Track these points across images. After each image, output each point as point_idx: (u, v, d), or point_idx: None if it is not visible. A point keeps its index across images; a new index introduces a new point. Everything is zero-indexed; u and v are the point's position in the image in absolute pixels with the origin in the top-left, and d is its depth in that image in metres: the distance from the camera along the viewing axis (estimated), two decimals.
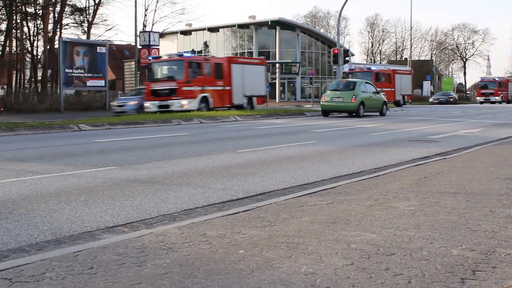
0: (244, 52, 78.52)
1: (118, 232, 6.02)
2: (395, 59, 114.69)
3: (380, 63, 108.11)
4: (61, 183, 9.10)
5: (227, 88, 35.21)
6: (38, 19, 47.79)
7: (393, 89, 52.83)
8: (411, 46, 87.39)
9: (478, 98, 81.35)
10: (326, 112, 32.12)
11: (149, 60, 36.49)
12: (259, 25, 78.11)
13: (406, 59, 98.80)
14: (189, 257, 4.66)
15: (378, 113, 33.02)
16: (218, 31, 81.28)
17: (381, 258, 4.52)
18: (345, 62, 39.92)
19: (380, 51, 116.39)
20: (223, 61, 35.93)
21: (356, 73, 48.99)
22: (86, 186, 8.74)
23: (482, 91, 79.88)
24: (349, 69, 50.77)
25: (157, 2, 61.03)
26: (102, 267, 4.47)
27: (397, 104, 52.50)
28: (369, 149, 14.44)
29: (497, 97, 77.46)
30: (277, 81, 76.29)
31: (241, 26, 79.06)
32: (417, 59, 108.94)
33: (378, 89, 35.36)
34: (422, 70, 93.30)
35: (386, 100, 35.05)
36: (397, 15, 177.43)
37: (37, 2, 47.50)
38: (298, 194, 7.84)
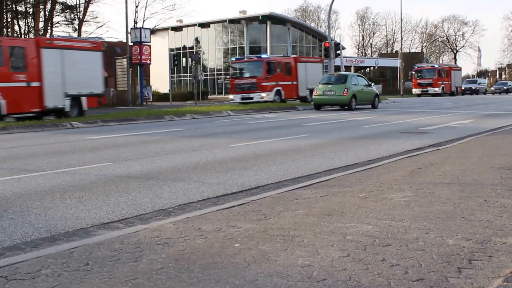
0: (236, 47, 78.41)
1: (113, 228, 6.00)
2: (386, 52, 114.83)
3: (372, 56, 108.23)
4: (55, 180, 9.07)
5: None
6: (29, 17, 47.61)
7: (295, 82, 42.55)
8: (401, 39, 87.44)
9: (414, 90, 69.79)
10: (318, 106, 32.15)
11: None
12: (250, 20, 77.94)
13: (397, 51, 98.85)
14: (185, 252, 4.65)
15: (370, 106, 33.06)
16: (209, 26, 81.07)
17: (377, 249, 4.52)
18: (337, 55, 39.89)
19: (371, 44, 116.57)
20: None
21: (243, 63, 41.92)
22: (80, 183, 8.72)
23: (419, 81, 68.60)
24: (235, 59, 45.01)
25: None
26: (98, 263, 4.45)
27: (303, 100, 42.47)
28: (362, 141, 14.46)
29: (436, 88, 67.02)
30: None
31: (232, 21, 78.86)
32: (408, 51, 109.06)
33: (279, 83, 39.84)
34: (413, 62, 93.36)
35: (378, 92, 35.08)
36: (387, 8, 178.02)
37: (28, 1, 47.31)
38: (292, 187, 7.83)
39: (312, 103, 33.35)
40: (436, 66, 71.67)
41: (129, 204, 7.18)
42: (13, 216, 6.64)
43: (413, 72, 71.09)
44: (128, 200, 7.43)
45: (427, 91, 67.69)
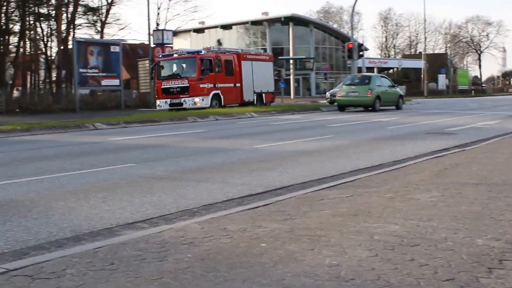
0: (258, 49, 78.46)
1: (137, 228, 5.98)
2: (409, 53, 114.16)
3: (395, 57, 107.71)
4: (79, 181, 9.09)
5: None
6: (51, 20, 47.95)
7: (238, 85, 35.49)
8: (425, 40, 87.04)
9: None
10: (342, 107, 32.05)
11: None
12: (272, 21, 77.96)
13: (420, 52, 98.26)
14: (211, 252, 4.61)
15: (394, 107, 32.86)
16: (231, 28, 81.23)
17: (405, 249, 4.45)
18: (360, 56, 39.73)
19: (394, 45, 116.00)
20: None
21: (172, 61, 33.98)
22: (104, 184, 8.73)
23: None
24: (162, 55, 35.79)
25: (169, 0, 61.14)
26: (123, 263, 4.43)
27: (249, 104, 35.82)
28: (387, 142, 14.35)
29: None
30: (291, 77, 76.14)
31: (254, 22, 78.96)
32: (431, 52, 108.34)
33: (217, 85, 33.14)
34: (437, 64, 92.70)
35: (402, 93, 34.80)
36: (410, 8, 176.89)
37: (50, 3, 47.65)
38: (317, 188, 7.77)
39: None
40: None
41: (153, 205, 7.16)
42: (38, 216, 6.65)
43: None
44: (152, 201, 7.41)
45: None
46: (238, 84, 35.43)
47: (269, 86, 38.79)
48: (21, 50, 47.00)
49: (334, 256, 4.33)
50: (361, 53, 39.54)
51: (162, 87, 33.15)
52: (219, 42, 79.77)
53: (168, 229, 5.57)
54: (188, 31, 79.48)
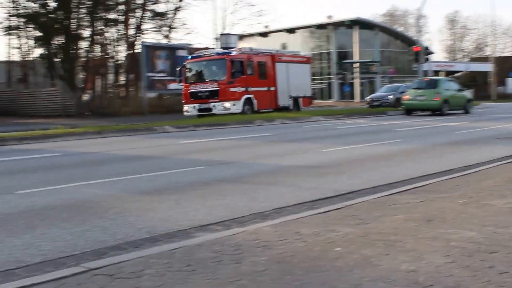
0: (323, 52, 78.23)
1: (211, 230, 6.06)
2: (477, 56, 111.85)
3: (462, 60, 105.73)
4: (151, 183, 9.28)
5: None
6: (120, 25, 48.86)
7: (272, 88, 33.56)
8: (493, 42, 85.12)
9: None
10: (409, 111, 31.70)
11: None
12: (337, 25, 77.66)
13: (488, 55, 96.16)
14: (286, 255, 4.66)
15: (462, 111, 32.28)
16: (296, 32, 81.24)
17: (483, 256, 4.39)
18: (426, 60, 39.18)
19: (461, 48, 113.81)
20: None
21: (200, 63, 31.85)
22: (177, 186, 8.88)
23: None
24: (191, 57, 32.69)
25: (235, 4, 61.55)
26: (200, 264, 4.51)
27: (284, 110, 33.72)
28: (456, 147, 14.13)
29: None
30: (356, 80, 75.74)
31: (319, 26, 78.79)
32: (500, 55, 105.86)
33: (249, 89, 31.15)
34: (506, 67, 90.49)
35: (470, 97, 34.14)
36: (478, 11, 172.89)
37: (118, 9, 48.58)
38: (388, 193, 7.72)
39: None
40: None
41: (225, 207, 7.25)
42: (114, 217, 6.82)
43: None
44: (223, 203, 7.50)
45: None
46: (272, 88, 33.43)
47: (306, 90, 36.72)
48: (91, 54, 48.04)
49: (411, 262, 4.31)
50: (427, 56, 38.91)
51: (189, 91, 31.25)
52: (283, 46, 79.97)
53: (241, 231, 5.64)
54: (253, 35, 79.85)
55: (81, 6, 45.02)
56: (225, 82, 30.00)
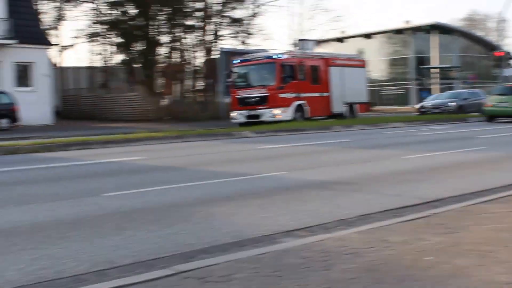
0: (400, 57, 77.19)
1: (297, 236, 6.06)
2: None
3: None
4: (234, 187, 9.36)
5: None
6: (198, 31, 49.51)
7: (326, 94, 31.86)
8: None
9: None
10: (491, 118, 30.88)
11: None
12: (415, 30, 76.47)
13: None
14: (375, 263, 4.61)
15: None
16: (373, 37, 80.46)
17: None
18: (508, 65, 38.16)
19: None
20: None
21: (249, 67, 30.24)
22: (259, 191, 8.90)
23: None
24: (240, 60, 30.86)
25: (312, 10, 61.43)
26: (289, 270, 4.51)
27: (338, 116, 32.21)
28: None
29: None
30: (435, 86, 74.37)
31: (397, 31, 77.81)
32: None
33: (301, 95, 29.21)
34: None
35: None
36: None
37: (196, 15, 49.25)
38: (476, 201, 7.53)
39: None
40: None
41: (309, 213, 7.23)
42: (199, 221, 6.91)
43: None
44: (307, 209, 7.48)
45: None
46: (325, 94, 31.62)
47: (361, 95, 34.75)
48: (170, 60, 48.87)
49: (507, 274, 4.19)
50: (509, 61, 37.89)
51: (237, 96, 29.87)
52: (360, 52, 79.43)
53: (327, 238, 5.62)
54: (330, 40, 79.56)
55: (161, 13, 45.94)
56: (275, 87, 28.58)
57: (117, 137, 20.46)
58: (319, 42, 60.07)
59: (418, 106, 42.49)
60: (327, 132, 23.74)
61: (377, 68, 77.84)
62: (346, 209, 7.41)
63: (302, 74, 29.95)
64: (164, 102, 44.55)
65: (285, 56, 29.54)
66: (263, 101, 28.56)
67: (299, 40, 46.39)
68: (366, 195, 8.50)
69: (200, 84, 51.24)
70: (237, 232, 6.27)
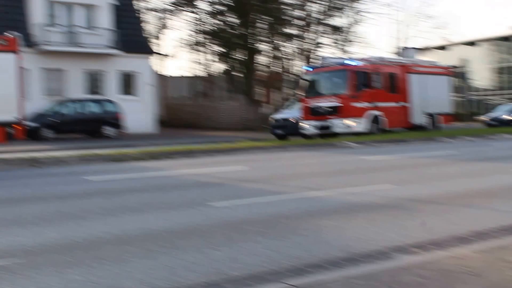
0: (506, 66, 74.73)
1: (409, 252, 5.88)
2: None
3: None
4: (340, 200, 9.23)
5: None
6: (297, 39, 49.64)
7: (404, 104, 30.02)
8: None
9: None
10: None
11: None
12: None
13: None
14: (499, 285, 4.40)
15: None
16: (478, 44, 78.26)
17: None
18: None
19: None
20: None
21: (320, 75, 28.82)
22: (367, 204, 8.73)
23: None
24: (313, 68, 29.97)
25: (413, 17, 60.53)
26: None
27: (418, 128, 30.25)
28: None
29: None
30: None
31: (503, 38, 75.39)
32: None
33: (376, 104, 27.38)
34: None
35: None
36: None
37: (296, 24, 49.43)
38: None
39: None
40: None
41: (419, 228, 7.02)
42: (307, 233, 6.85)
43: None
44: (416, 224, 7.27)
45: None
46: (404, 103, 29.82)
47: (444, 105, 32.80)
48: (270, 69, 49.23)
49: None
50: None
51: (308, 106, 28.14)
52: (463, 60, 77.37)
53: (443, 256, 5.43)
54: (431, 48, 77.96)
55: (261, 22, 46.36)
56: (347, 96, 26.90)
57: (221, 146, 20.62)
58: (421, 50, 58.91)
59: (486, 117, 40.28)
60: (431, 144, 22.87)
61: (482, 77, 75.64)
62: (458, 225, 7.16)
63: (378, 82, 28.09)
64: (263, 110, 44.85)
65: (358, 63, 27.74)
66: (334, 111, 26.97)
67: (403, 48, 45.66)
68: (477, 210, 8.23)
69: (299, 93, 51.35)
70: (347, 247, 6.16)
